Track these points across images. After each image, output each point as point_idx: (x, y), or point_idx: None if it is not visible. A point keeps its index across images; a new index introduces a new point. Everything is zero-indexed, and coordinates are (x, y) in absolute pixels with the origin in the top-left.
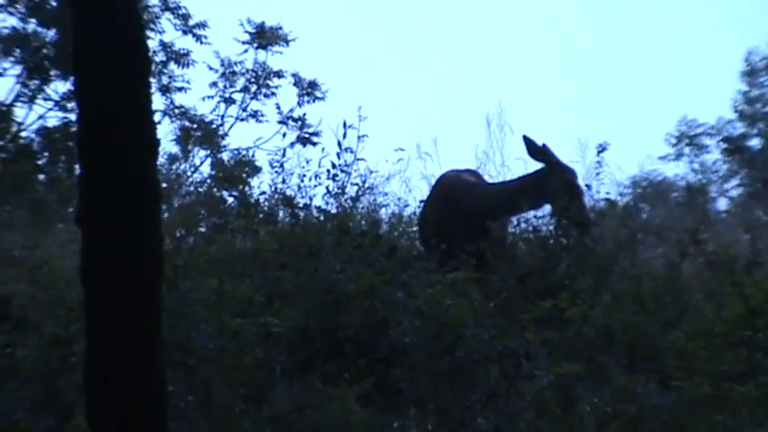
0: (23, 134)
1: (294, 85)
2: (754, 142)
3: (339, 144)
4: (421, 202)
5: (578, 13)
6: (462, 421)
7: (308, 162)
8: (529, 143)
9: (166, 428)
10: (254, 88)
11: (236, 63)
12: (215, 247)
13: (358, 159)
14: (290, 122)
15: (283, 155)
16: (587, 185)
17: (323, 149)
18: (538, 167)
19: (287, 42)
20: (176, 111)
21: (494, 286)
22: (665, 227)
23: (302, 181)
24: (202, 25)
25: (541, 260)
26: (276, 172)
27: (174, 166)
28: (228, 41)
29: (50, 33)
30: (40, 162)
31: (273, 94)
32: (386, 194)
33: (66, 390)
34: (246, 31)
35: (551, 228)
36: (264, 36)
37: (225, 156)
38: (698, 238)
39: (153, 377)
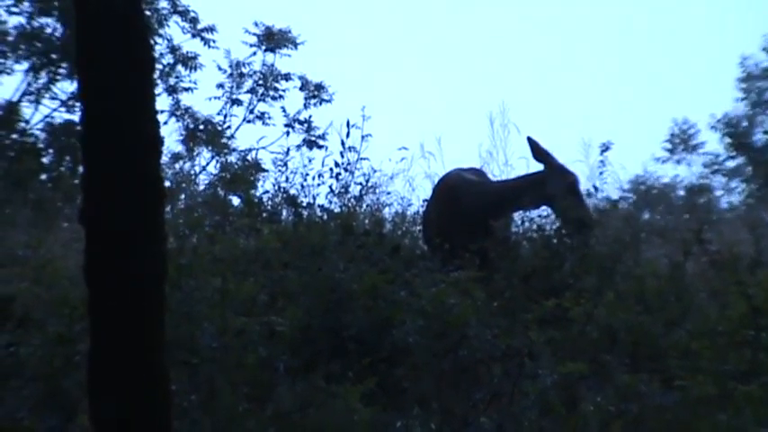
0: (29, 131)
1: (301, 88)
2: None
3: (342, 143)
4: (424, 201)
5: (582, 12)
6: (466, 420)
7: (310, 161)
8: (533, 145)
9: (170, 427)
10: (261, 90)
11: (244, 65)
12: (218, 246)
13: (361, 158)
14: (297, 125)
15: (287, 154)
16: (594, 187)
17: (326, 148)
18: (540, 168)
19: (295, 45)
20: (182, 111)
21: (497, 285)
22: (669, 227)
23: (305, 180)
24: (211, 29)
25: (545, 259)
26: (280, 171)
27: (177, 165)
28: (237, 43)
29: (58, 28)
30: (44, 160)
31: (281, 96)
32: (389, 194)
33: (70, 389)
34: (255, 34)
35: (554, 227)
36: (273, 39)
37: (232, 158)
38: (701, 238)
39: (156, 376)
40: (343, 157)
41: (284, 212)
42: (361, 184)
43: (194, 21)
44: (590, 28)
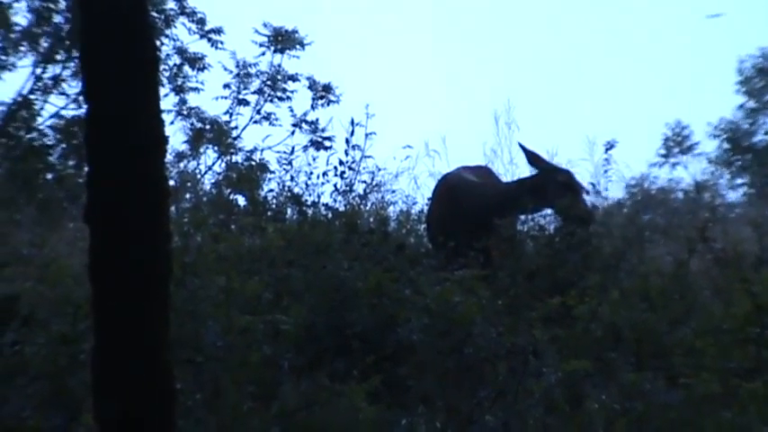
0: (38, 128)
1: (309, 88)
2: (758, 138)
3: (347, 141)
4: (429, 199)
5: (587, 10)
6: (470, 418)
7: (314, 160)
8: (524, 150)
9: (174, 426)
10: (268, 91)
11: (251, 65)
12: (223, 244)
13: (366, 157)
14: (304, 126)
15: (291, 152)
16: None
17: (331, 147)
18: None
19: (303, 46)
20: (188, 110)
21: (502, 284)
22: (673, 224)
23: (310, 179)
24: (218, 31)
25: (549, 258)
26: (285, 170)
27: (182, 165)
28: (245, 44)
29: (64, 24)
30: (51, 157)
31: (288, 97)
32: (394, 192)
33: (74, 387)
34: (264, 35)
35: (555, 226)
36: (281, 40)
37: (239, 158)
38: (705, 236)
39: (161, 374)
40: (347, 155)
41: (289, 211)
42: (365, 182)
43: (201, 22)
44: (595, 25)
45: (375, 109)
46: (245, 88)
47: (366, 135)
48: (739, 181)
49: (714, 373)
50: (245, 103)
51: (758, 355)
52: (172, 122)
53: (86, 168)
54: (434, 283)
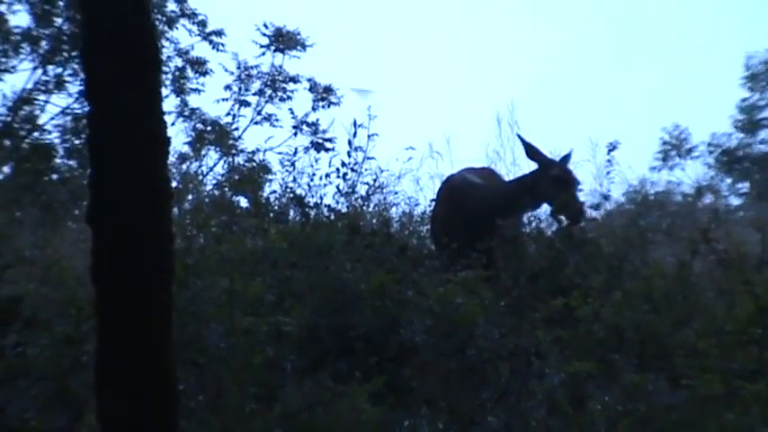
0: (42, 124)
1: (310, 90)
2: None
3: (349, 143)
4: (432, 200)
5: (591, 10)
6: (473, 420)
7: (316, 161)
8: (522, 143)
9: (177, 427)
10: (269, 92)
11: (252, 67)
12: (226, 246)
13: (368, 158)
14: (304, 127)
15: (294, 153)
16: (602, 194)
17: (333, 149)
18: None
19: (304, 47)
20: (189, 112)
21: (504, 285)
22: (675, 226)
23: (312, 180)
24: (219, 33)
25: (552, 259)
26: (287, 171)
27: (184, 166)
28: (246, 44)
29: (64, 25)
30: (55, 156)
31: (289, 98)
32: (396, 193)
33: (78, 388)
34: (265, 35)
35: (552, 226)
36: (282, 40)
37: (240, 159)
38: (708, 237)
39: (163, 376)
40: (350, 156)
41: (291, 212)
42: (368, 183)
43: (203, 24)
44: (602, 26)
45: (378, 110)
46: (245, 89)
47: (369, 137)
48: (740, 186)
49: (717, 375)
50: (245, 104)
51: (761, 357)
52: (173, 124)
53: (89, 169)
54: (437, 285)
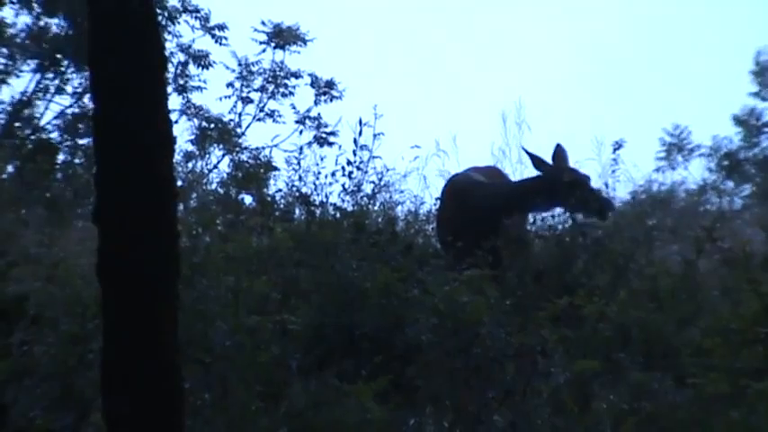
0: (43, 125)
1: (311, 85)
2: (756, 152)
3: (355, 141)
4: (437, 199)
5: (598, 7)
6: (478, 418)
7: (322, 159)
8: (528, 155)
9: (183, 425)
10: (271, 88)
11: (253, 63)
12: (231, 244)
13: (374, 157)
14: (307, 122)
15: (300, 152)
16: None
17: (339, 147)
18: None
19: (304, 42)
20: (193, 110)
21: (510, 284)
22: (681, 225)
23: (318, 179)
24: (221, 27)
25: (558, 257)
26: (294, 169)
27: (190, 164)
28: (246, 41)
29: (62, 25)
30: (58, 156)
31: (291, 93)
32: (402, 192)
33: (83, 387)
34: (264, 32)
35: (566, 225)
36: (282, 36)
37: (244, 156)
38: (713, 236)
39: (169, 374)
40: (355, 155)
41: (297, 211)
42: (373, 182)
43: (205, 18)
44: (610, 24)
45: (383, 109)
46: (247, 86)
47: (374, 135)
48: (742, 188)
49: (723, 374)
50: (248, 100)
51: (767, 355)
52: (176, 122)
53: (95, 168)
54: (443, 283)
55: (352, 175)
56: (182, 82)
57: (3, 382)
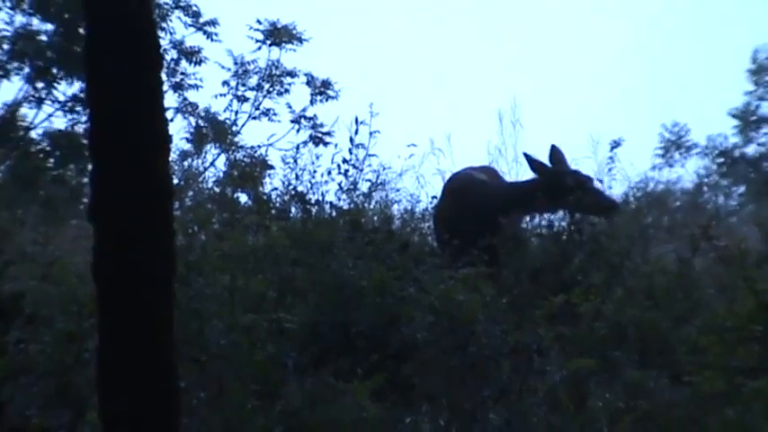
0: (30, 138)
1: (307, 84)
2: (751, 149)
3: (351, 140)
4: (433, 197)
5: (598, 7)
6: (474, 416)
7: (317, 158)
8: (528, 160)
9: (179, 424)
10: (267, 86)
11: (248, 62)
12: (227, 243)
13: (370, 155)
14: (303, 121)
15: (297, 150)
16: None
17: (336, 146)
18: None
19: (300, 41)
20: (189, 108)
21: (506, 282)
22: (677, 223)
23: (314, 177)
24: (213, 23)
25: (554, 256)
26: (290, 168)
27: (185, 163)
28: (242, 39)
29: (53, 31)
30: (48, 161)
31: (287, 91)
32: (398, 190)
33: (79, 386)
34: (260, 30)
35: (564, 223)
36: (278, 34)
37: (239, 155)
38: (709, 234)
39: (165, 373)
40: (351, 153)
41: (293, 209)
42: (369, 180)
43: (196, 15)
44: (604, 22)
45: (379, 107)
46: (243, 85)
47: (370, 133)
48: (737, 188)
49: (718, 371)
50: (243, 99)
51: (762, 353)
52: (172, 120)
53: (90, 166)
54: (438, 282)
55: (348, 174)
56: (178, 80)
57: None
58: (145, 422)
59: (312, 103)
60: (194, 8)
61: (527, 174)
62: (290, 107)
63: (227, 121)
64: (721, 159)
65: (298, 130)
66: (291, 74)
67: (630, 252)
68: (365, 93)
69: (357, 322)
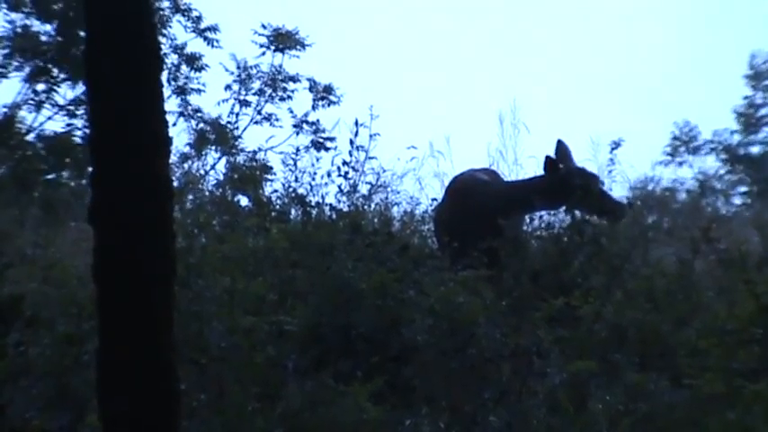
0: (30, 137)
1: (309, 89)
2: (755, 149)
3: (351, 142)
4: (433, 200)
5: (593, 8)
6: (474, 419)
7: (318, 160)
8: (546, 159)
9: (179, 426)
10: (269, 91)
11: (251, 67)
12: (227, 245)
13: (370, 158)
14: (305, 126)
15: (297, 152)
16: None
17: (335, 148)
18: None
19: (303, 46)
20: (191, 111)
21: (506, 284)
22: (677, 225)
23: (314, 179)
24: (214, 29)
25: (554, 258)
26: (290, 170)
27: (186, 165)
28: (245, 44)
29: (53, 32)
30: (45, 165)
31: (289, 97)
32: (398, 193)
33: (79, 388)
34: (263, 35)
35: (563, 226)
36: (281, 40)
37: (240, 158)
38: (710, 236)
39: (165, 375)
40: (351, 156)
41: (293, 212)
42: (369, 183)
43: (197, 20)
44: (604, 23)
45: (379, 110)
46: (246, 89)
47: (370, 136)
48: (740, 187)
49: (718, 374)
50: (246, 104)
51: (763, 356)
52: (174, 124)
53: (90, 168)
54: (438, 284)
55: (348, 176)
56: (181, 84)
57: None
58: (145, 424)
59: (314, 108)
60: (195, 12)
61: (528, 175)
62: (291, 112)
63: (229, 125)
64: (725, 156)
65: (297, 134)
66: (294, 79)
67: (630, 254)
68: (365, 95)
69: (357, 324)
